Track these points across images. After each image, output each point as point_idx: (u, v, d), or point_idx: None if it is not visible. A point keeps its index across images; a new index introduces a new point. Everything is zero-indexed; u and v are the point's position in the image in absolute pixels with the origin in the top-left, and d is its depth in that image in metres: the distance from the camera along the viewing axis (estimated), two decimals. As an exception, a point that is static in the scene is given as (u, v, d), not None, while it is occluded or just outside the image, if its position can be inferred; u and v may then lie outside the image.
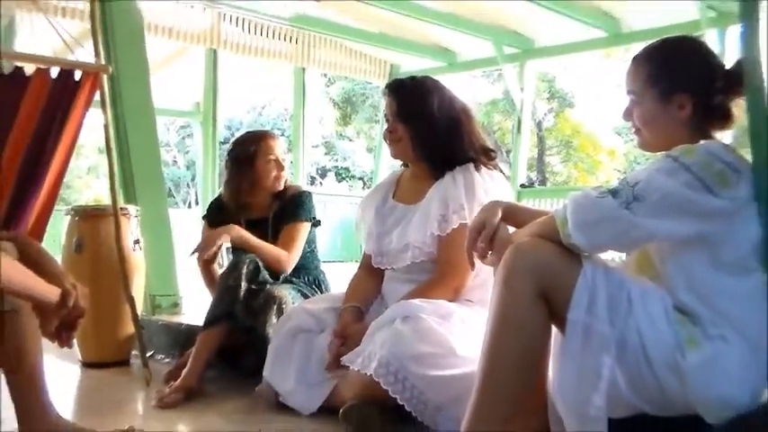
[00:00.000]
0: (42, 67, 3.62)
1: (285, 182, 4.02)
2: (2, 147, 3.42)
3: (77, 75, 3.63)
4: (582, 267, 2.09)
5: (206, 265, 3.88)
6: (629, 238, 2.12)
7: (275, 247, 3.78)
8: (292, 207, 3.91)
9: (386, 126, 3.24)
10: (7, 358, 2.47)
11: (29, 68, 3.62)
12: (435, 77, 3.34)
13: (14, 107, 3.47)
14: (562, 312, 2.08)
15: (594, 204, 2.08)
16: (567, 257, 2.11)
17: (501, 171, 3.23)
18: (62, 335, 2.39)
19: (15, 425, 2.53)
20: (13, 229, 3.24)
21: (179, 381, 3.41)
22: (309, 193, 4.02)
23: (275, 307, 3.50)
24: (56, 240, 4.29)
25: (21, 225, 3.31)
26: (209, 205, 4.25)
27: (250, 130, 4.34)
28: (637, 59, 2.38)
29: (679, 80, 2.28)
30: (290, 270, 3.81)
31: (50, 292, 2.30)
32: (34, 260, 2.43)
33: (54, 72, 3.61)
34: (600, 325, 2.04)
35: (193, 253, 3.76)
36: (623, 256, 2.41)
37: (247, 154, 3.94)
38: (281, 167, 3.95)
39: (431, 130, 3.12)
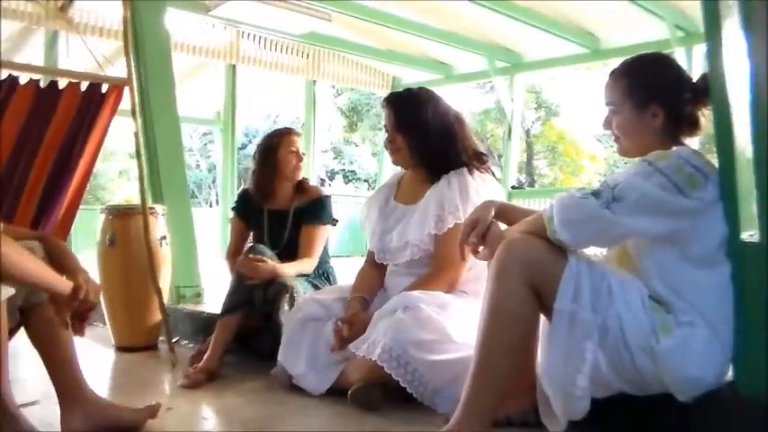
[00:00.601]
0: (74, 80, 3.63)
1: (305, 180, 4.04)
2: (35, 152, 3.42)
3: (104, 88, 3.63)
4: (567, 261, 2.11)
5: (235, 263, 3.90)
6: (609, 235, 2.14)
7: (303, 263, 3.78)
8: (315, 209, 3.90)
9: (386, 136, 3.24)
10: (41, 344, 2.50)
11: (61, 82, 3.64)
12: (432, 89, 3.33)
13: (48, 117, 3.48)
14: (549, 302, 2.10)
15: (578, 204, 2.09)
16: (554, 252, 2.13)
17: (492, 174, 3.23)
18: (75, 324, 2.42)
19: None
20: (42, 227, 3.25)
21: (202, 363, 3.42)
22: (329, 196, 4.02)
23: (287, 296, 3.51)
24: (91, 236, 4.31)
25: (49, 224, 3.31)
26: (238, 197, 4.26)
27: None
28: (614, 74, 2.39)
29: (653, 92, 2.30)
30: (311, 270, 3.84)
31: (63, 285, 2.32)
32: (58, 257, 2.47)
33: (84, 86, 3.62)
34: (584, 313, 2.06)
35: (237, 271, 3.69)
36: (605, 251, 2.42)
37: (271, 145, 3.97)
38: (299, 158, 3.95)
39: (426, 138, 3.12)
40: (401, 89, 3.38)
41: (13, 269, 2.14)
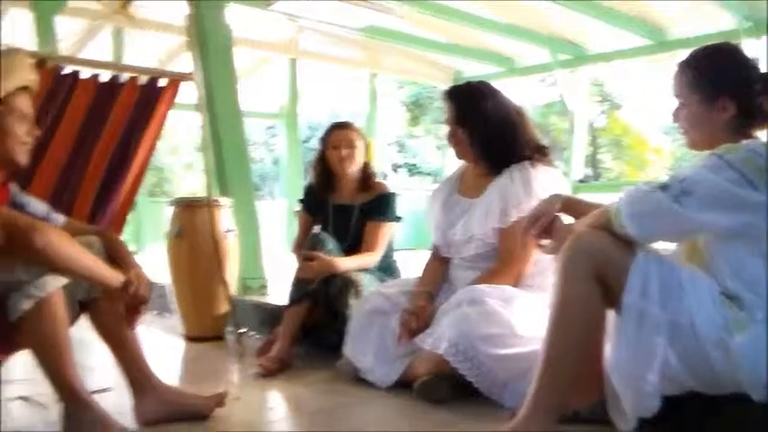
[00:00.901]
0: (134, 75, 3.69)
1: (371, 175, 4.01)
2: (94, 146, 3.47)
3: (162, 82, 3.68)
4: (635, 255, 2.09)
5: (300, 253, 3.94)
6: (677, 229, 2.11)
7: (364, 257, 3.79)
8: (380, 207, 3.90)
9: (448, 129, 3.23)
10: (108, 336, 2.59)
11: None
12: (493, 82, 3.33)
13: (108, 111, 3.53)
14: (618, 296, 2.07)
15: (646, 198, 2.07)
16: (622, 246, 2.10)
17: (555, 167, 3.20)
18: (127, 318, 2.53)
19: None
20: (98, 220, 3.31)
21: (274, 353, 3.47)
22: (395, 193, 4.01)
23: (353, 290, 3.54)
24: (159, 228, 4.39)
25: (105, 217, 3.36)
26: (305, 191, 4.25)
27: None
28: (682, 65, 2.35)
29: (721, 84, 2.25)
30: (374, 266, 3.85)
31: (114, 278, 2.41)
32: (115, 252, 2.55)
33: (143, 80, 3.67)
34: (653, 308, 2.03)
35: (302, 270, 3.68)
36: (674, 245, 2.38)
37: (322, 141, 4.02)
38: (344, 152, 3.91)
39: (488, 132, 3.10)
40: (462, 82, 3.37)
41: (65, 261, 2.25)
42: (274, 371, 3.37)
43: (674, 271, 2.09)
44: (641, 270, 2.06)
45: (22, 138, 2.49)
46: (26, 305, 2.18)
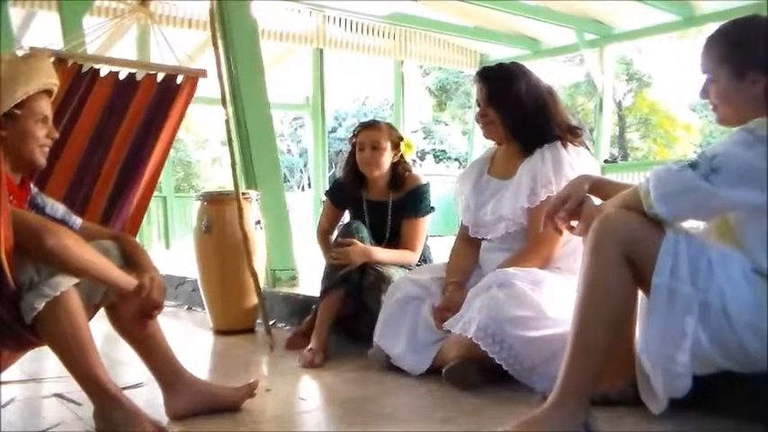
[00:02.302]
0: (151, 72, 3.67)
1: (403, 167, 3.91)
2: (110, 144, 3.44)
3: (179, 79, 3.65)
4: (665, 235, 2.05)
5: (326, 241, 3.92)
6: (707, 207, 2.07)
7: (403, 254, 3.75)
8: (414, 202, 3.83)
9: (478, 110, 3.20)
10: (131, 338, 2.59)
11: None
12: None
13: (124, 108, 3.51)
14: (647, 277, 2.05)
15: (675, 177, 2.03)
16: (651, 226, 2.08)
17: (586, 147, 3.17)
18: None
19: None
20: (112, 220, 3.28)
21: (315, 345, 3.44)
22: (427, 184, 3.93)
23: (384, 287, 3.46)
24: (187, 223, 4.39)
25: (119, 218, 3.33)
26: (332, 184, 4.24)
27: (362, 120, 4.28)
28: (710, 40, 2.29)
29: (751, 58, 2.19)
30: (414, 263, 3.81)
31: (126, 281, 2.39)
32: (132, 256, 2.54)
33: (160, 77, 3.64)
34: (683, 287, 2.00)
35: (333, 259, 3.64)
36: (704, 223, 2.34)
37: (351, 143, 3.95)
38: (364, 155, 3.83)
39: (519, 112, 3.08)
40: (490, 65, 3.34)
41: (76, 262, 2.23)
42: (323, 362, 3.37)
43: (704, 250, 2.05)
44: (671, 250, 2.04)
45: (42, 140, 2.50)
46: (39, 304, 2.17)
